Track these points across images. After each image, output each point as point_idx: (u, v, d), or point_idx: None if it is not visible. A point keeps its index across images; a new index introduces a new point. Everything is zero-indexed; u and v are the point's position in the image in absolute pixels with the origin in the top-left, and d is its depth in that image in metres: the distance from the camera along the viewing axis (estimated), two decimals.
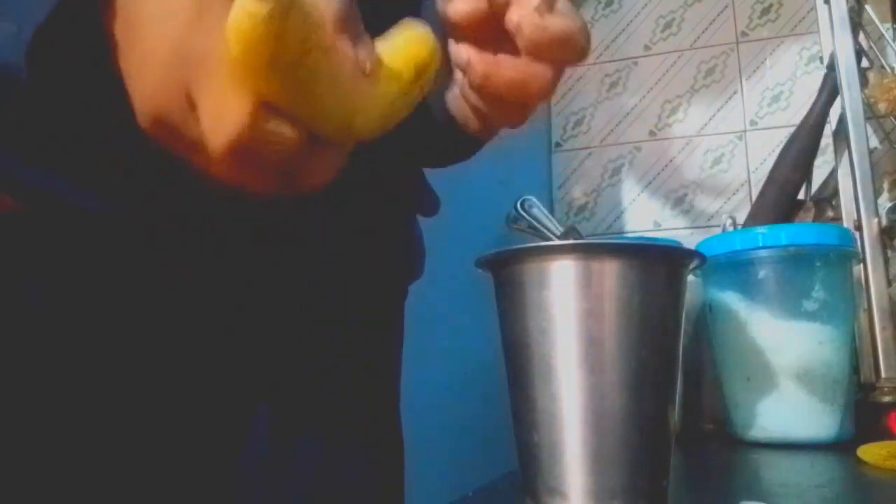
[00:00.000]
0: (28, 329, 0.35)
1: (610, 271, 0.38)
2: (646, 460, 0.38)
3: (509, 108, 0.36)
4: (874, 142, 1.07)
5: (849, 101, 0.89)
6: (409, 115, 0.32)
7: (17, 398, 0.35)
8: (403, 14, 0.30)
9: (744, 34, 1.21)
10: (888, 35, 1.01)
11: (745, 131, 1.19)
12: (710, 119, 1.21)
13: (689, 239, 1.08)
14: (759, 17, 1.21)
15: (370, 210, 0.48)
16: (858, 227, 0.84)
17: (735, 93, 1.20)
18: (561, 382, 0.38)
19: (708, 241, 0.79)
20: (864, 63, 0.95)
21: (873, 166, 0.87)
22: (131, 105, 0.28)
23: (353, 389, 0.49)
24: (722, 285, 0.76)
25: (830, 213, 0.96)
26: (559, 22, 0.33)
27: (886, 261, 0.82)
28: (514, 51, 0.35)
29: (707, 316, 0.79)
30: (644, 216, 1.22)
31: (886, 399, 0.76)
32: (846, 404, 0.70)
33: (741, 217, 1.01)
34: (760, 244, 0.73)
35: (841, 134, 0.93)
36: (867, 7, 0.99)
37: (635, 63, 1.27)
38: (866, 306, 0.81)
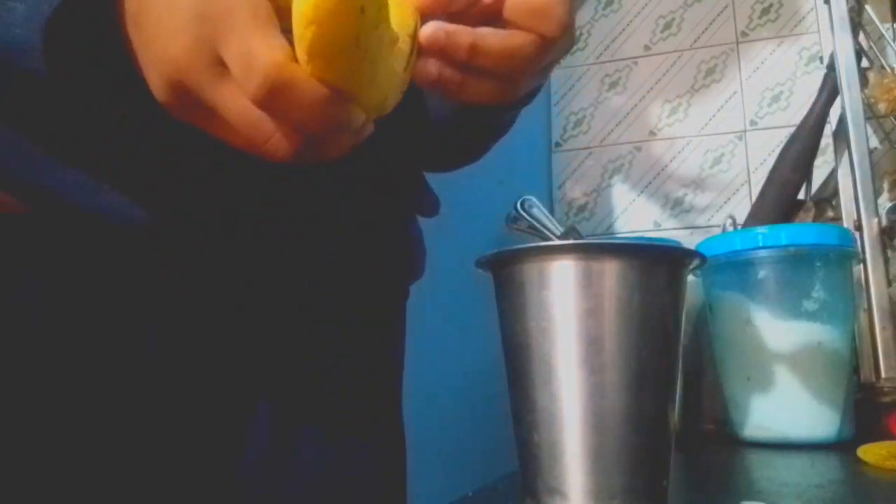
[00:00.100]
0: (28, 328, 0.35)
1: (610, 271, 0.38)
2: (646, 460, 0.38)
3: (494, 82, 0.35)
4: (874, 142, 1.07)
5: (849, 101, 0.89)
6: (409, 111, 0.32)
7: (17, 398, 0.35)
8: None
9: (744, 34, 1.21)
10: (888, 35, 1.01)
11: (745, 131, 1.19)
12: (710, 119, 1.21)
13: (689, 239, 1.08)
14: (759, 17, 1.21)
15: (369, 210, 0.48)
16: (858, 227, 0.84)
17: (735, 93, 1.20)
18: (561, 382, 0.38)
19: (708, 241, 0.79)
20: (864, 63, 0.95)
21: (873, 166, 0.87)
22: (140, 88, 0.28)
23: (353, 389, 0.49)
24: (722, 285, 0.76)
25: (830, 213, 0.96)
26: None
27: (886, 261, 0.82)
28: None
29: (707, 316, 0.79)
30: (644, 216, 1.22)
31: (886, 399, 0.76)
32: (846, 404, 0.70)
33: (741, 217, 1.01)
34: (760, 244, 0.73)
35: (841, 134, 0.93)
36: (867, 7, 0.99)
37: (635, 63, 1.27)
38: (866, 306, 0.81)
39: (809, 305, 0.70)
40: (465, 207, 0.82)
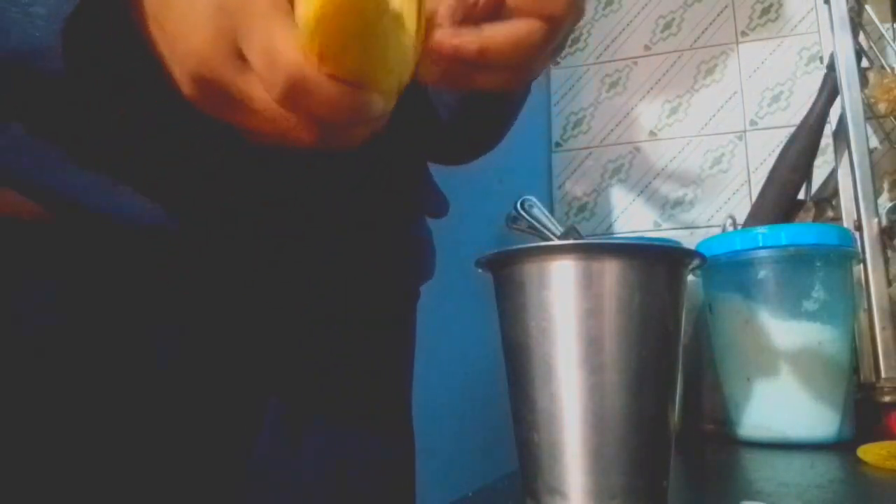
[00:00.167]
0: (40, 328, 0.36)
1: (610, 271, 0.38)
2: (646, 460, 0.38)
3: (504, 72, 0.35)
4: (874, 142, 1.07)
5: (849, 101, 0.89)
6: (410, 106, 0.32)
7: (24, 398, 0.35)
8: None
9: (744, 34, 1.21)
10: (888, 35, 1.01)
11: (745, 131, 1.19)
12: (710, 119, 1.21)
13: (689, 239, 1.08)
14: (759, 17, 1.21)
15: (371, 210, 0.48)
16: (858, 227, 0.84)
17: (735, 93, 1.20)
18: (561, 382, 0.38)
19: (708, 241, 0.79)
20: (864, 63, 0.95)
21: (873, 166, 0.87)
22: (161, 84, 0.28)
23: (359, 388, 0.49)
24: (722, 285, 0.76)
25: (830, 213, 0.96)
26: None
27: (886, 261, 0.82)
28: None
29: (707, 316, 0.79)
30: (644, 216, 1.22)
31: (886, 399, 0.76)
32: (846, 404, 0.70)
33: (741, 217, 1.01)
34: (760, 244, 0.73)
35: (841, 134, 0.93)
36: (867, 7, 0.99)
37: (635, 63, 1.27)
38: (866, 306, 0.81)
39: (809, 305, 0.70)
40: (465, 207, 0.82)
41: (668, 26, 1.26)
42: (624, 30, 1.28)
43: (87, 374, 0.37)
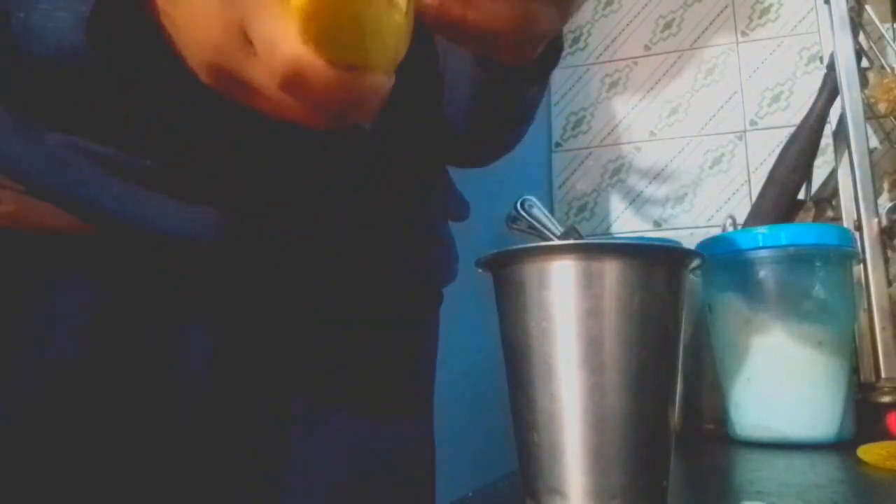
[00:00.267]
0: (78, 332, 0.37)
1: (610, 271, 0.38)
2: (646, 460, 0.38)
3: (515, 46, 0.35)
4: (874, 142, 1.07)
5: (849, 101, 0.89)
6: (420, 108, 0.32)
7: (60, 402, 0.36)
8: None
9: (744, 34, 1.21)
10: (888, 35, 1.01)
11: (745, 131, 1.19)
12: (710, 119, 1.21)
13: (689, 239, 1.08)
14: (759, 17, 1.21)
15: (397, 212, 0.48)
16: (858, 227, 0.84)
17: (735, 93, 1.20)
18: (561, 382, 0.38)
19: (708, 241, 0.79)
20: (864, 63, 0.95)
21: (873, 166, 0.87)
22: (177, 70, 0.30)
23: (383, 384, 0.50)
24: (722, 285, 0.76)
25: (830, 213, 0.96)
26: None
27: (886, 261, 0.82)
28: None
29: (707, 316, 0.79)
30: (644, 216, 1.22)
31: (886, 399, 0.76)
32: (846, 404, 0.70)
33: (741, 217, 1.01)
34: (760, 244, 0.72)
35: (841, 134, 0.93)
36: (867, 7, 0.99)
37: (635, 63, 1.27)
38: (866, 306, 0.81)
39: (809, 305, 0.70)
40: None
41: (668, 26, 1.26)
42: (624, 30, 1.28)
43: (123, 380, 0.38)
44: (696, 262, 0.41)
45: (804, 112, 1.00)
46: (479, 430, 0.89)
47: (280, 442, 0.44)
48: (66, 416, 0.36)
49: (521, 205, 0.93)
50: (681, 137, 1.22)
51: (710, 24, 1.23)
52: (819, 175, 1.02)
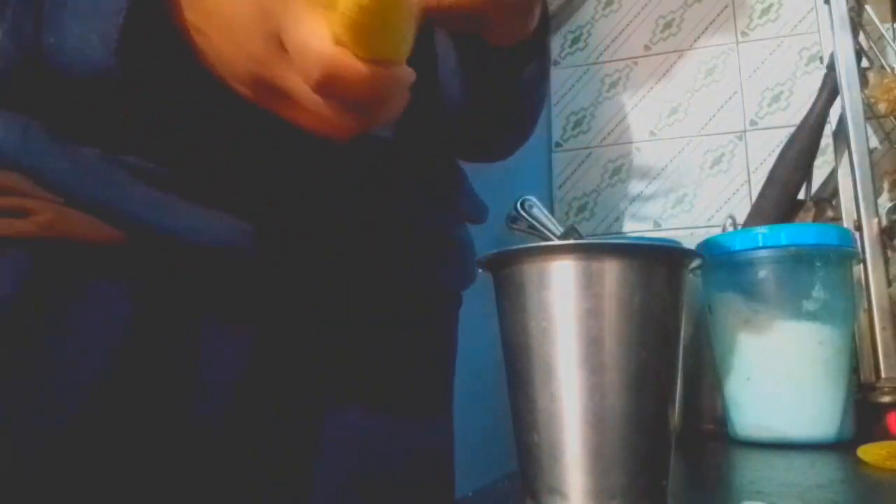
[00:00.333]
0: (111, 344, 0.38)
1: (610, 271, 0.38)
2: (646, 460, 0.38)
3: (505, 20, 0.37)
4: (874, 142, 1.07)
5: (849, 101, 0.89)
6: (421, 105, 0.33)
7: (97, 408, 0.37)
8: None
9: (744, 34, 1.21)
10: (888, 35, 1.01)
11: (745, 131, 1.19)
12: (710, 119, 1.21)
13: (689, 239, 1.08)
14: (759, 17, 1.21)
15: (415, 214, 0.49)
16: (858, 227, 0.84)
17: (735, 93, 1.20)
18: (561, 382, 0.38)
19: (708, 241, 0.79)
20: (864, 63, 0.95)
21: (873, 166, 0.87)
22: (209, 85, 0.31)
23: (406, 382, 0.51)
24: (722, 285, 0.76)
25: (830, 213, 0.96)
26: None
27: (886, 261, 0.82)
28: None
29: (707, 316, 0.79)
30: (644, 216, 1.22)
31: (886, 399, 0.76)
32: (846, 404, 0.70)
33: (741, 217, 1.01)
34: (760, 244, 0.72)
35: (841, 134, 0.93)
36: (867, 7, 0.99)
37: (635, 63, 1.27)
38: (866, 306, 0.81)
39: (809, 305, 0.70)
40: None
41: (668, 26, 1.26)
42: (624, 30, 1.28)
43: (153, 387, 0.39)
44: (696, 262, 0.41)
45: (804, 112, 0.99)
46: (479, 430, 0.89)
47: (309, 443, 0.45)
48: (98, 426, 0.37)
49: (521, 205, 0.93)
50: (681, 137, 1.22)
51: (710, 24, 1.23)
52: (819, 175, 1.02)
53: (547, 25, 0.46)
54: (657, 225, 1.21)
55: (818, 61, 1.14)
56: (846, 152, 0.89)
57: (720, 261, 0.75)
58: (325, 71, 0.26)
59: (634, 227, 1.22)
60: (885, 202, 0.98)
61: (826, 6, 0.95)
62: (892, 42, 1.02)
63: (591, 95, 1.28)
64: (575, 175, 1.27)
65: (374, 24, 0.26)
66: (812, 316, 0.70)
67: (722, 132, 1.20)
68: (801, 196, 0.98)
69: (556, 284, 0.38)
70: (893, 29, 1.04)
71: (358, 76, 0.27)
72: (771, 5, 1.21)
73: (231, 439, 0.41)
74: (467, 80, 0.47)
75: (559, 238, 0.91)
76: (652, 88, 1.25)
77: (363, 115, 0.29)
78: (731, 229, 0.98)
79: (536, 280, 0.39)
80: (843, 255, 0.74)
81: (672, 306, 0.39)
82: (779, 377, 0.71)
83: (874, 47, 1.00)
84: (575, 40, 1.31)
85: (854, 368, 0.78)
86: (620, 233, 1.23)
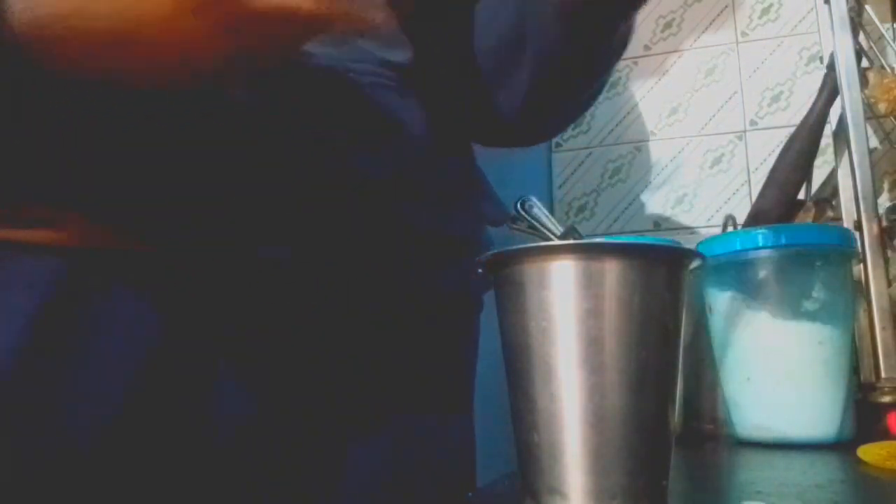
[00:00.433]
0: (133, 360, 0.37)
1: (610, 271, 0.37)
2: (646, 460, 0.38)
3: None
4: (874, 142, 1.07)
5: (849, 101, 0.89)
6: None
7: (114, 417, 0.37)
8: None
9: (744, 34, 1.21)
10: (888, 35, 1.01)
11: (745, 131, 1.19)
12: (710, 119, 1.21)
13: (689, 239, 1.08)
14: (759, 17, 1.21)
15: (437, 220, 0.49)
16: (858, 227, 0.84)
17: (735, 93, 1.20)
18: (561, 382, 0.38)
19: (708, 241, 0.79)
20: (864, 63, 0.95)
21: (873, 166, 0.87)
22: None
23: (428, 383, 0.51)
24: (722, 285, 0.76)
25: (830, 213, 0.96)
26: None
27: (886, 261, 0.82)
28: None
29: (707, 316, 0.79)
30: (644, 216, 1.22)
31: (886, 399, 0.76)
32: (846, 404, 0.70)
33: (741, 217, 1.01)
34: (760, 244, 0.72)
35: (841, 134, 0.93)
36: (867, 7, 0.99)
37: (635, 63, 1.27)
38: (866, 306, 0.81)
39: (809, 305, 0.70)
40: None
41: (668, 26, 1.26)
42: None
43: (177, 403, 0.39)
44: (696, 262, 0.41)
45: (804, 112, 0.99)
46: (479, 430, 0.89)
47: (335, 450, 0.45)
48: (116, 448, 0.36)
49: (521, 205, 0.93)
50: (681, 137, 1.22)
51: (710, 24, 1.23)
52: (819, 175, 1.02)
53: None
54: (657, 225, 1.21)
55: (818, 61, 1.14)
56: (846, 152, 0.89)
57: (720, 261, 0.75)
58: None
59: (634, 227, 1.22)
60: (885, 202, 0.99)
61: (826, 6, 0.95)
62: (892, 42, 1.02)
63: None
64: (575, 175, 1.27)
65: None
66: (812, 316, 0.70)
67: (722, 132, 1.20)
68: (801, 196, 0.98)
69: (556, 284, 0.38)
70: (893, 29, 1.04)
71: None
72: (771, 5, 1.21)
73: (250, 461, 0.41)
74: (567, 27, 0.46)
75: (559, 238, 0.91)
76: (652, 88, 1.25)
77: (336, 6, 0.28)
78: (731, 229, 0.98)
79: (536, 280, 0.39)
80: (843, 255, 0.74)
81: (672, 306, 0.39)
82: (779, 377, 0.70)
83: (874, 47, 1.00)
84: None
85: (854, 368, 0.78)
86: (620, 233, 1.23)
